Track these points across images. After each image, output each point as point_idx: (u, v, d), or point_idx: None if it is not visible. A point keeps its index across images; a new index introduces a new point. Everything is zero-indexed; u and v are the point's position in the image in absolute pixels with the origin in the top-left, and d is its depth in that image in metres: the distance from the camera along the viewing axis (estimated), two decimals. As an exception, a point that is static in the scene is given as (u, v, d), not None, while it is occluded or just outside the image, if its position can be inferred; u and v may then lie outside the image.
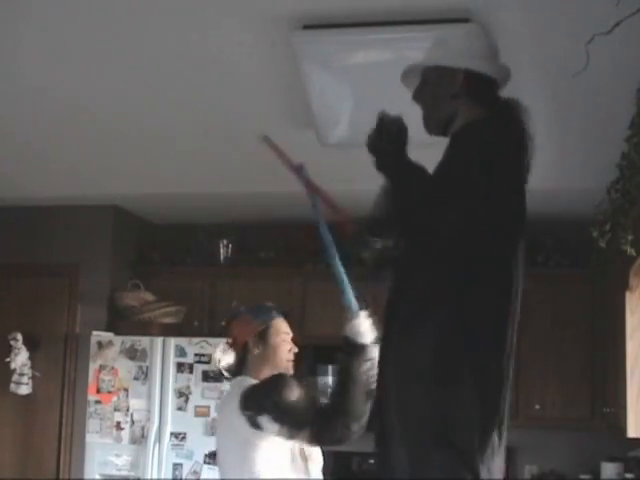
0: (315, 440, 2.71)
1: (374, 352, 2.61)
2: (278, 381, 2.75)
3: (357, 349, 2.66)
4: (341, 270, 2.71)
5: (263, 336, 2.87)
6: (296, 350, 2.94)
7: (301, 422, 2.66)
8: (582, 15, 2.98)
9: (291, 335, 2.95)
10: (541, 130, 4.14)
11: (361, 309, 2.69)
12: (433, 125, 2.36)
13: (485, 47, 2.41)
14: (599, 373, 5.37)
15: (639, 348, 4.56)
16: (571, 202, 5.12)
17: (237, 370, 2.90)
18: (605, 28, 2.67)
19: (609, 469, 5.21)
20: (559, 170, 4.64)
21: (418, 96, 2.38)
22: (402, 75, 2.44)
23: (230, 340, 2.93)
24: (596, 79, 3.25)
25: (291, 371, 2.90)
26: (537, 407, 5.41)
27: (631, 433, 4.55)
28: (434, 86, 2.34)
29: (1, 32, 3.35)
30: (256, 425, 2.67)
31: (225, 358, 2.95)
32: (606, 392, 5.25)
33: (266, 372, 2.84)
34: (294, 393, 2.69)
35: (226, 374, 2.94)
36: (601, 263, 4.79)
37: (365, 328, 2.66)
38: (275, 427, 2.65)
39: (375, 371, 2.47)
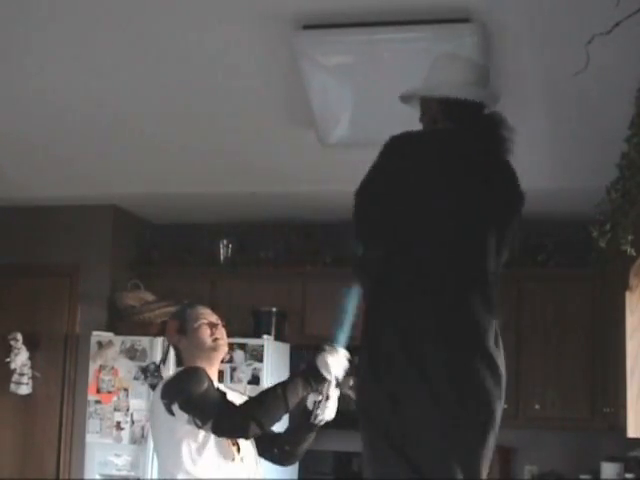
0: (216, 430, 2.79)
1: (329, 391, 2.79)
2: (188, 373, 2.89)
3: (316, 379, 2.77)
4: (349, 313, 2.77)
5: (182, 329, 3.01)
6: (218, 331, 2.99)
7: (206, 413, 2.77)
8: (582, 15, 2.98)
9: (213, 319, 3.02)
10: (541, 130, 4.17)
11: (343, 349, 2.77)
12: None
13: (470, 73, 2.55)
14: (599, 373, 5.37)
15: (639, 348, 4.56)
16: (571, 202, 5.12)
17: (178, 367, 3.05)
18: (605, 28, 2.67)
19: (609, 469, 5.20)
20: (559, 170, 4.64)
21: (421, 119, 2.59)
22: (403, 100, 2.68)
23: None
24: (596, 79, 3.25)
25: (221, 351, 2.99)
26: (537, 407, 5.41)
27: (631, 433, 4.55)
28: (423, 114, 2.57)
29: (2, 33, 3.35)
30: (171, 412, 2.82)
31: None
32: (606, 392, 5.25)
33: (195, 360, 2.96)
34: (201, 386, 2.81)
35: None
36: (601, 263, 4.80)
37: (332, 361, 2.74)
38: (184, 415, 2.79)
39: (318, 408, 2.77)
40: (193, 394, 2.80)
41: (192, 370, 2.89)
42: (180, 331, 3.01)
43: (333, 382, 2.81)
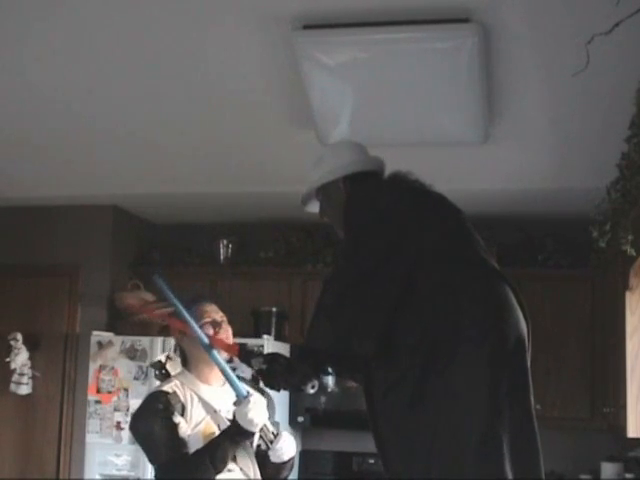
0: (157, 476, 2.76)
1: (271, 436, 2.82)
2: (146, 409, 2.82)
3: (244, 436, 2.75)
4: (222, 362, 2.79)
5: (185, 327, 2.92)
6: (221, 330, 2.93)
7: (153, 458, 2.76)
8: (582, 15, 2.98)
9: (217, 317, 2.96)
10: (541, 130, 4.17)
11: (249, 395, 2.75)
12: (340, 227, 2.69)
13: (355, 152, 2.74)
14: (599, 373, 5.37)
15: (639, 348, 4.56)
16: (571, 202, 5.12)
17: (183, 365, 3.00)
18: (605, 28, 2.67)
19: (609, 469, 5.20)
20: (559, 170, 4.64)
21: (323, 213, 2.79)
22: (303, 203, 2.87)
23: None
24: (596, 79, 3.25)
25: (224, 351, 2.91)
26: (537, 407, 5.38)
27: (631, 433, 4.54)
28: (328, 199, 2.71)
29: (1, 32, 3.35)
30: None
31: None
32: (606, 392, 5.25)
33: (198, 359, 2.90)
34: (154, 426, 2.74)
35: (172, 372, 3.01)
36: (601, 263, 4.80)
37: (253, 414, 2.71)
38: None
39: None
40: (144, 435, 2.76)
41: (151, 404, 2.81)
42: (183, 329, 2.92)
43: (269, 427, 2.82)
